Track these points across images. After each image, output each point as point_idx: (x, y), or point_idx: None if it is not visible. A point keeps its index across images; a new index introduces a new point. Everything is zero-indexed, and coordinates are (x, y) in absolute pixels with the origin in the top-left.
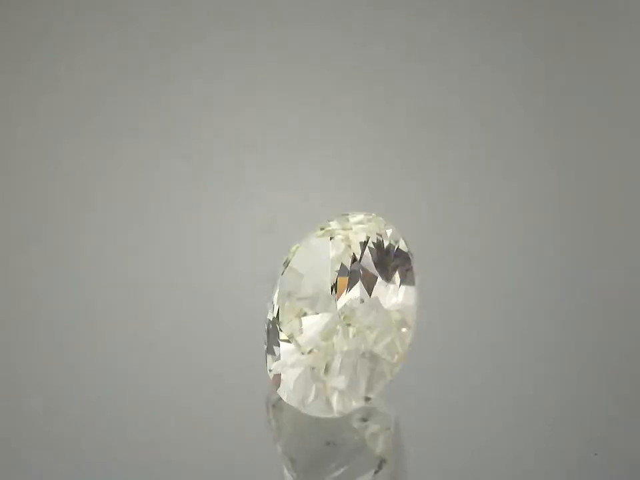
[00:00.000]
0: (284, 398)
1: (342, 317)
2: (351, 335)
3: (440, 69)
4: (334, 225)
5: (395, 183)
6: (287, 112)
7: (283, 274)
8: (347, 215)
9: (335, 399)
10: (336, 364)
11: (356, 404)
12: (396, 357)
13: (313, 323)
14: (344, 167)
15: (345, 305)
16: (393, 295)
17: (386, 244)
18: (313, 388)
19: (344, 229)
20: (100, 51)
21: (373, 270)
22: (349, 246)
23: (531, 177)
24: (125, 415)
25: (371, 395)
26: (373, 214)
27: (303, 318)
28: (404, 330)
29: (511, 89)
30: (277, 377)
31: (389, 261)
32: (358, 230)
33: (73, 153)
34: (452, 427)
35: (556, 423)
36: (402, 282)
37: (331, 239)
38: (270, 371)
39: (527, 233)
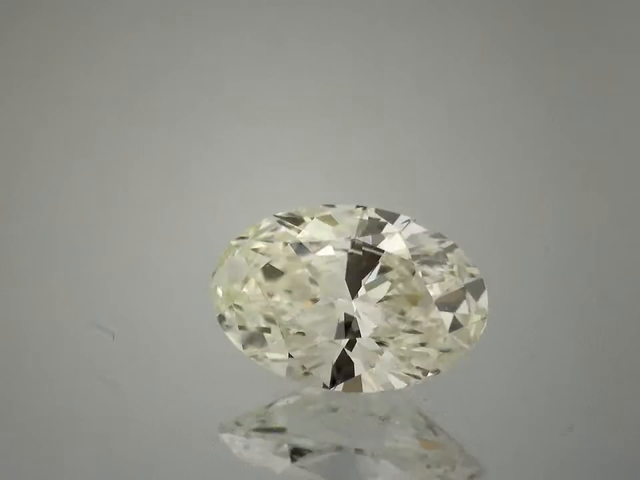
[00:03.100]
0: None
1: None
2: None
3: (443, 67)
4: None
5: (399, 180)
6: (287, 113)
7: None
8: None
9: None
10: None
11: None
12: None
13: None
14: (346, 164)
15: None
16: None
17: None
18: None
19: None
20: (102, 57)
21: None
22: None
23: (536, 174)
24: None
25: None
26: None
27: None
28: (457, 252)
29: (511, 88)
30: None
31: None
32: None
33: (73, 152)
34: (451, 422)
35: (556, 422)
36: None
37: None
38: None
39: (529, 231)
